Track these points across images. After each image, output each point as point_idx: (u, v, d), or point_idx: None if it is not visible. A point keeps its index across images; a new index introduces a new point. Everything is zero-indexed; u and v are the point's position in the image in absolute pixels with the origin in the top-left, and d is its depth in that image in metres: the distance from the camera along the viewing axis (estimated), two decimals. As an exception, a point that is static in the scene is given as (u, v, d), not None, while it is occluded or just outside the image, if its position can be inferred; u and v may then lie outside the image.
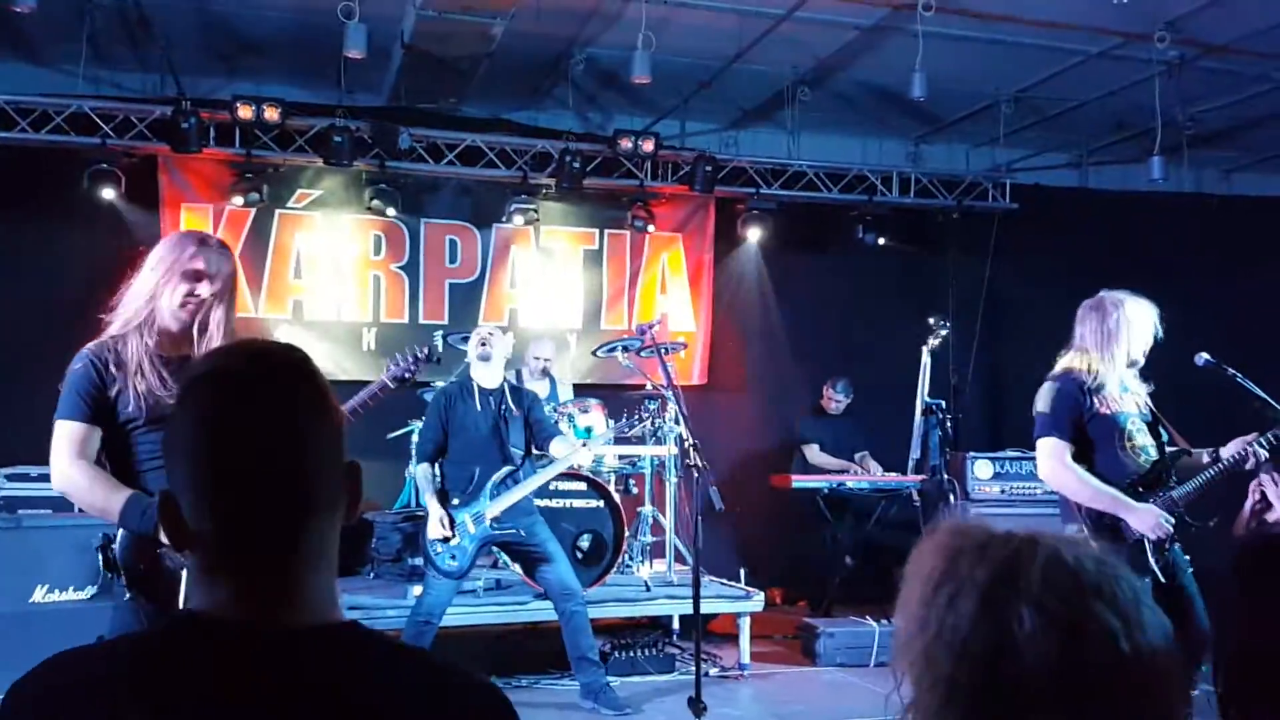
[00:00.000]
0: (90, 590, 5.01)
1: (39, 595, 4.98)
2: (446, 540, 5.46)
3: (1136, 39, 7.08)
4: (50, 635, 4.78)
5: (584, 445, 5.83)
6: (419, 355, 3.66)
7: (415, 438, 7.24)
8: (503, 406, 5.75)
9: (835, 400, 8.45)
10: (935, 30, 6.68)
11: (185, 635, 1.16)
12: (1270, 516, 3.92)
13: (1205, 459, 4.15)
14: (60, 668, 1.15)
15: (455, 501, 5.58)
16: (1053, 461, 4.08)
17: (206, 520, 1.18)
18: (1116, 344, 4.10)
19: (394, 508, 7.46)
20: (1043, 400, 4.14)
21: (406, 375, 3.57)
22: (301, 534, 1.19)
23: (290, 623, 1.17)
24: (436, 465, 5.69)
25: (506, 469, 5.67)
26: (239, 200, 7.74)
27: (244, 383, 1.21)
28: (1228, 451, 4.12)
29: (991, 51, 7.42)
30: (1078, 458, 4.07)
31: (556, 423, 6.79)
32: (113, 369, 2.93)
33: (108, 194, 7.49)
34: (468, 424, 5.66)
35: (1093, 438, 4.10)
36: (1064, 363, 4.20)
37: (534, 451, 5.85)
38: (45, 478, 6.52)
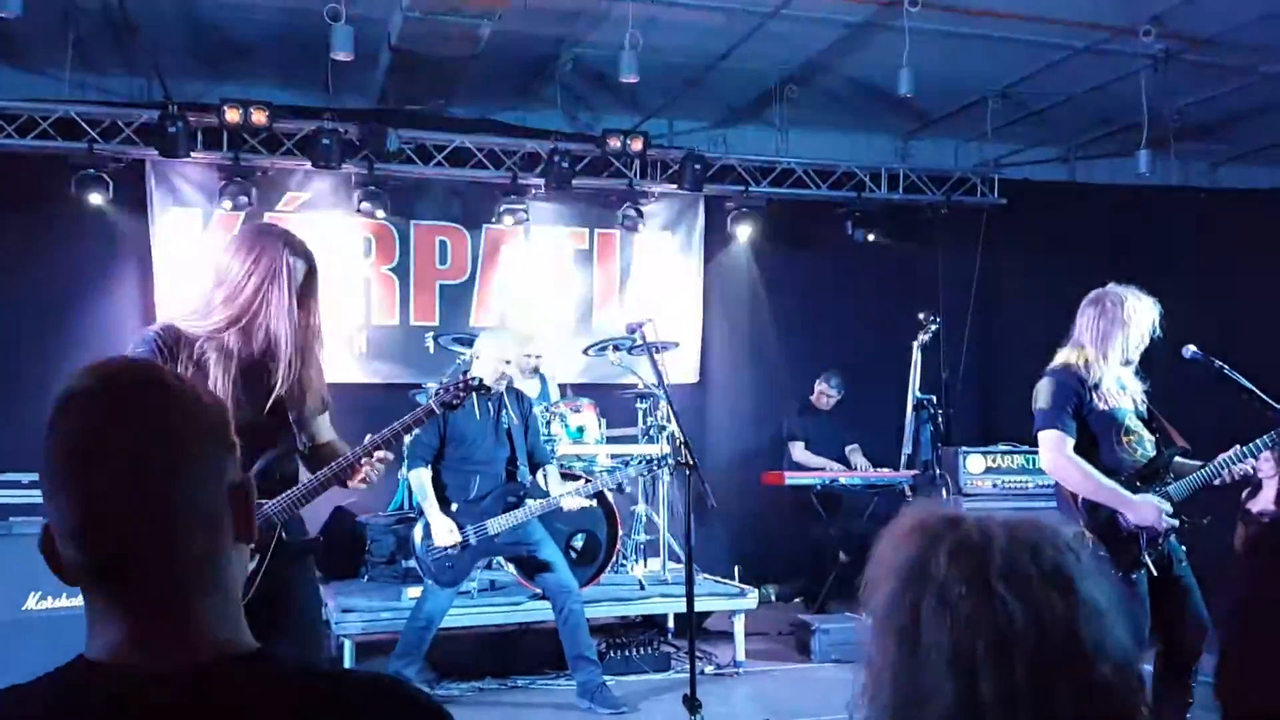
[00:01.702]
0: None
1: (32, 603, 4.96)
2: (463, 545, 5.45)
3: (1122, 33, 7.11)
4: (44, 642, 4.77)
5: (574, 493, 5.73)
6: (472, 384, 3.59)
7: (408, 440, 7.23)
8: (502, 413, 5.73)
9: (828, 395, 8.47)
10: (922, 26, 6.70)
11: (76, 685, 1.10)
12: (1254, 507, 3.93)
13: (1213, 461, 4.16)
14: None
15: (454, 507, 5.56)
16: (1055, 454, 4.09)
17: (79, 553, 1.13)
18: (1113, 340, 4.11)
19: (387, 510, 7.45)
20: (1042, 394, 4.15)
21: (455, 402, 3.55)
22: (178, 559, 1.14)
23: (186, 660, 1.11)
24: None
25: (514, 484, 5.65)
26: (228, 204, 7.72)
27: (101, 403, 1.15)
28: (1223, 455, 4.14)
29: (978, 47, 7.43)
30: (1076, 451, 4.09)
31: (549, 422, 6.80)
32: (184, 365, 2.90)
33: (95, 199, 7.46)
34: (467, 431, 5.62)
35: (1091, 432, 4.12)
36: (1062, 357, 4.21)
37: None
38: (37, 484, 6.57)
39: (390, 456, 3.21)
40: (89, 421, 1.14)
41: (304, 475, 3.18)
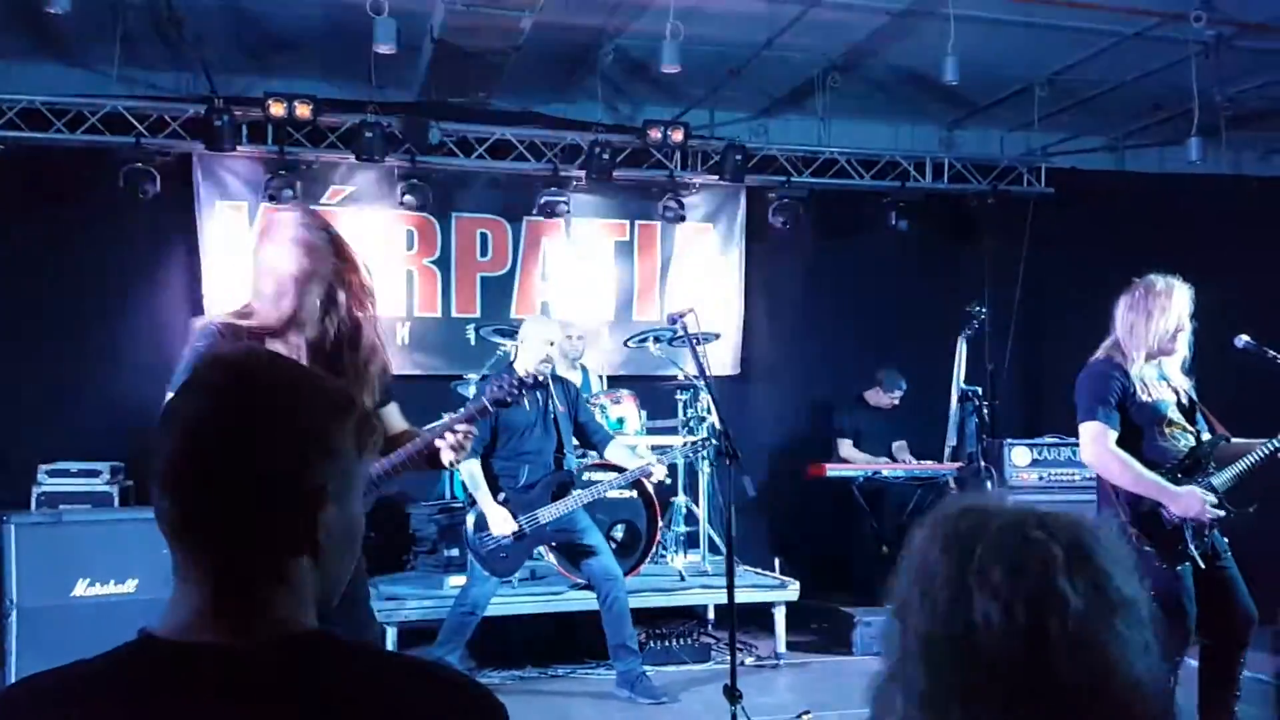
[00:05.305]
0: (132, 583, 5.07)
1: (80, 589, 5.05)
2: (519, 535, 5.48)
3: (1172, 19, 6.98)
4: (92, 628, 4.86)
5: (658, 461, 5.76)
6: (525, 380, 3.58)
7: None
8: (549, 402, 5.75)
9: (884, 395, 8.35)
10: (967, 13, 6.62)
11: (140, 660, 1.14)
12: None
13: (1257, 447, 4.09)
14: (26, 690, 1.14)
15: (502, 497, 5.59)
16: (1096, 445, 4.04)
17: (164, 521, 1.18)
18: (1145, 330, 4.06)
19: (429, 499, 7.49)
20: (1085, 386, 4.11)
21: (509, 399, 3.56)
22: (251, 537, 1.17)
23: (255, 635, 1.14)
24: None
25: (562, 473, 5.68)
26: (273, 197, 7.80)
27: (217, 388, 1.21)
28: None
29: (1025, 34, 7.33)
30: (1120, 443, 4.04)
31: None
32: None
33: (143, 193, 7.56)
34: (517, 421, 5.65)
35: (1134, 424, 4.07)
36: (1104, 349, 4.18)
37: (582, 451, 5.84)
38: (85, 473, 6.69)
39: (475, 431, 3.27)
40: (200, 399, 1.21)
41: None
